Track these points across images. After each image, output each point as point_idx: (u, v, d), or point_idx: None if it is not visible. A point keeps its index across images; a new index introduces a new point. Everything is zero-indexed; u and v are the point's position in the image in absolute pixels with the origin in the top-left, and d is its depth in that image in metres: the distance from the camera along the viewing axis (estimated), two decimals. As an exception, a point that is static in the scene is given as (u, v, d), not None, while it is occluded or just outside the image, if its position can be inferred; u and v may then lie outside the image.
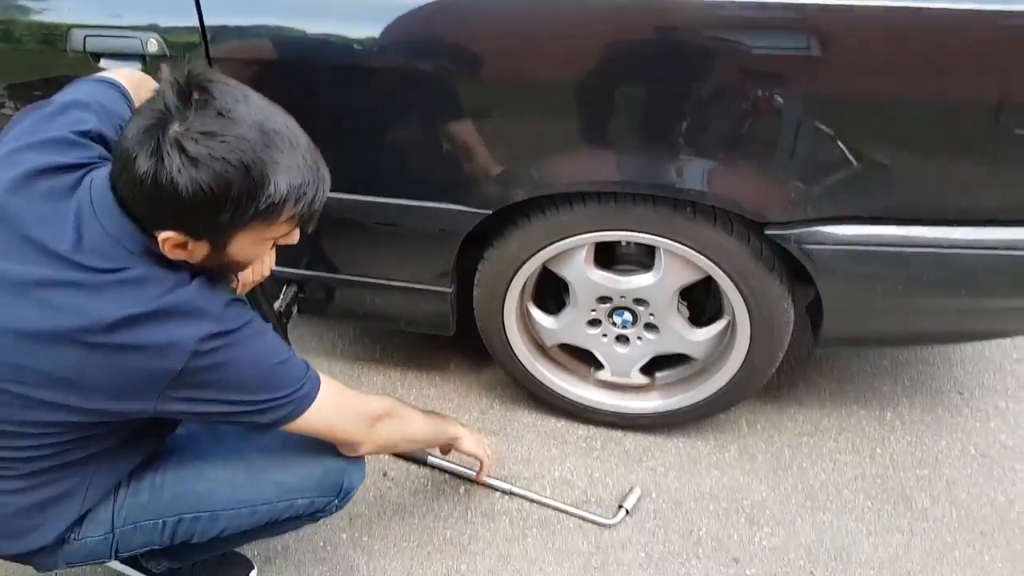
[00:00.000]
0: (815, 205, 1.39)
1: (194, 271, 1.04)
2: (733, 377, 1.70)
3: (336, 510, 1.32)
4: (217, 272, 1.08)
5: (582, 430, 1.91)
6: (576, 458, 1.84)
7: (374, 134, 1.48)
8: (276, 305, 1.70)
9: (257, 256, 1.08)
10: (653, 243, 1.54)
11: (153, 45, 1.46)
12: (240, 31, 1.44)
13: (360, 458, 1.31)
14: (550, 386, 1.85)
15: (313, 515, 1.30)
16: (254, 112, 0.96)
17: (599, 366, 1.83)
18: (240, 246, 1.03)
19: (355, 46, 1.39)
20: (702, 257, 1.52)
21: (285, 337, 1.72)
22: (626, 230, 1.52)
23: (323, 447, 1.26)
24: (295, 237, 1.09)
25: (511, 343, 1.77)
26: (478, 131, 1.43)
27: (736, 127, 1.33)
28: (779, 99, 1.29)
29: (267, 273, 1.43)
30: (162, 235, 0.98)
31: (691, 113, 1.33)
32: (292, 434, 1.24)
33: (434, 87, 1.39)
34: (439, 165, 1.48)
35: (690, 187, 1.41)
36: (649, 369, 1.82)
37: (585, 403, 1.86)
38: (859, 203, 1.38)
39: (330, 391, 1.16)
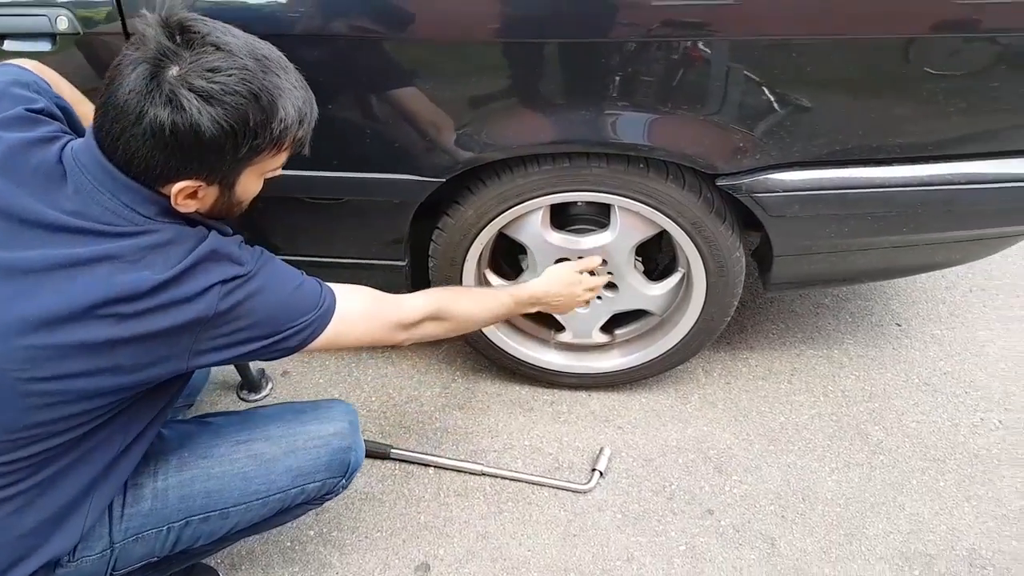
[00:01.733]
0: (762, 153, 1.41)
1: (205, 223, 1.03)
2: (691, 328, 1.72)
3: (342, 490, 1.30)
4: (221, 220, 1.08)
5: (547, 395, 1.90)
6: (544, 424, 1.83)
7: (317, 102, 1.40)
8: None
9: (255, 192, 1.08)
10: (609, 201, 1.53)
11: (63, 22, 1.34)
12: (159, 2, 1.33)
13: (359, 435, 1.30)
14: (512, 353, 1.83)
15: (322, 498, 1.28)
16: (243, 42, 0.95)
17: (560, 328, 1.83)
18: (245, 183, 1.03)
19: (283, 12, 1.31)
20: (657, 212, 1.52)
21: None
22: (582, 190, 1.50)
23: (326, 426, 1.25)
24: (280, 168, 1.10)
25: (471, 313, 1.74)
26: (425, 97, 1.38)
27: (678, 80, 1.32)
28: (709, 50, 1.29)
29: None
30: (176, 186, 0.96)
31: (634, 68, 1.32)
32: (294, 418, 1.26)
33: (374, 53, 1.33)
34: (388, 135, 1.42)
35: (641, 143, 1.40)
36: (608, 327, 1.83)
37: (548, 367, 1.85)
38: (801, 148, 1.41)
39: (354, 301, 1.16)
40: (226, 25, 0.97)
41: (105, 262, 0.93)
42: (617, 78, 1.33)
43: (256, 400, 1.88)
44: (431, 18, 1.31)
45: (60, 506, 1.03)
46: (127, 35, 1.34)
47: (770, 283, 1.67)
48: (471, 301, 1.37)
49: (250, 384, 1.87)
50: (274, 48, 1.00)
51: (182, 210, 0.99)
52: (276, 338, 1.06)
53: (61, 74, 1.26)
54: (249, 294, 1.01)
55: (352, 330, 1.15)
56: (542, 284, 1.50)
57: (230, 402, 1.88)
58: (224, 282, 0.98)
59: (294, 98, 0.98)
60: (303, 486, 1.23)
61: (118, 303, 0.92)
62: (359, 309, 1.16)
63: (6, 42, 1.36)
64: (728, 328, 2.06)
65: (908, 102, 1.37)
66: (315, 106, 1.05)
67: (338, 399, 1.42)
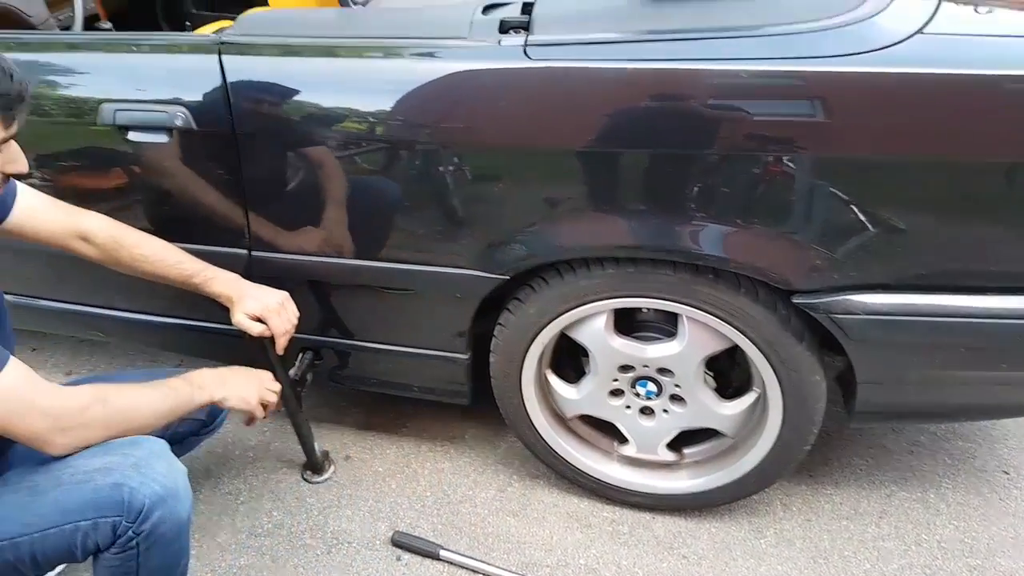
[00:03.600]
0: (841, 272, 1.35)
1: None
2: (766, 455, 1.61)
3: (137, 536, 1.15)
4: None
5: (608, 511, 1.81)
6: (602, 543, 1.73)
7: (391, 201, 1.49)
8: (292, 372, 1.68)
9: None
10: (675, 310, 1.50)
11: (180, 119, 1.50)
12: (266, 105, 1.48)
13: (146, 469, 1.16)
14: (572, 461, 1.77)
15: (116, 543, 1.15)
16: None
17: (623, 440, 1.76)
18: None
19: (372, 119, 1.43)
20: (727, 325, 1.47)
21: (299, 404, 1.69)
22: (646, 296, 1.48)
23: (93, 460, 1.16)
24: (17, 158, 1.12)
25: (529, 414, 1.71)
26: (493, 196, 1.44)
27: (753, 193, 1.31)
28: (792, 164, 1.28)
29: (295, 320, 1.48)
30: None
31: (707, 178, 1.32)
32: (80, 454, 1.18)
33: (449, 156, 1.41)
34: (455, 231, 1.48)
35: (710, 252, 1.38)
36: (677, 445, 1.74)
37: (610, 481, 1.77)
38: (886, 270, 1.35)
39: (8, 379, 1.09)
40: None
41: None
42: (691, 188, 1.34)
43: (318, 482, 1.90)
44: (503, 125, 1.38)
45: None
46: (235, 132, 1.49)
47: (855, 412, 1.55)
48: (134, 388, 1.28)
49: (313, 465, 1.90)
50: None
51: None
52: None
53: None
54: None
55: None
56: (214, 372, 1.41)
57: (294, 481, 1.91)
58: None
59: None
60: (75, 523, 1.13)
61: None
62: (8, 384, 1.09)
63: (130, 133, 1.54)
64: (811, 459, 1.92)
65: (1008, 229, 1.29)
66: (18, 82, 1.05)
67: (152, 437, 1.24)
